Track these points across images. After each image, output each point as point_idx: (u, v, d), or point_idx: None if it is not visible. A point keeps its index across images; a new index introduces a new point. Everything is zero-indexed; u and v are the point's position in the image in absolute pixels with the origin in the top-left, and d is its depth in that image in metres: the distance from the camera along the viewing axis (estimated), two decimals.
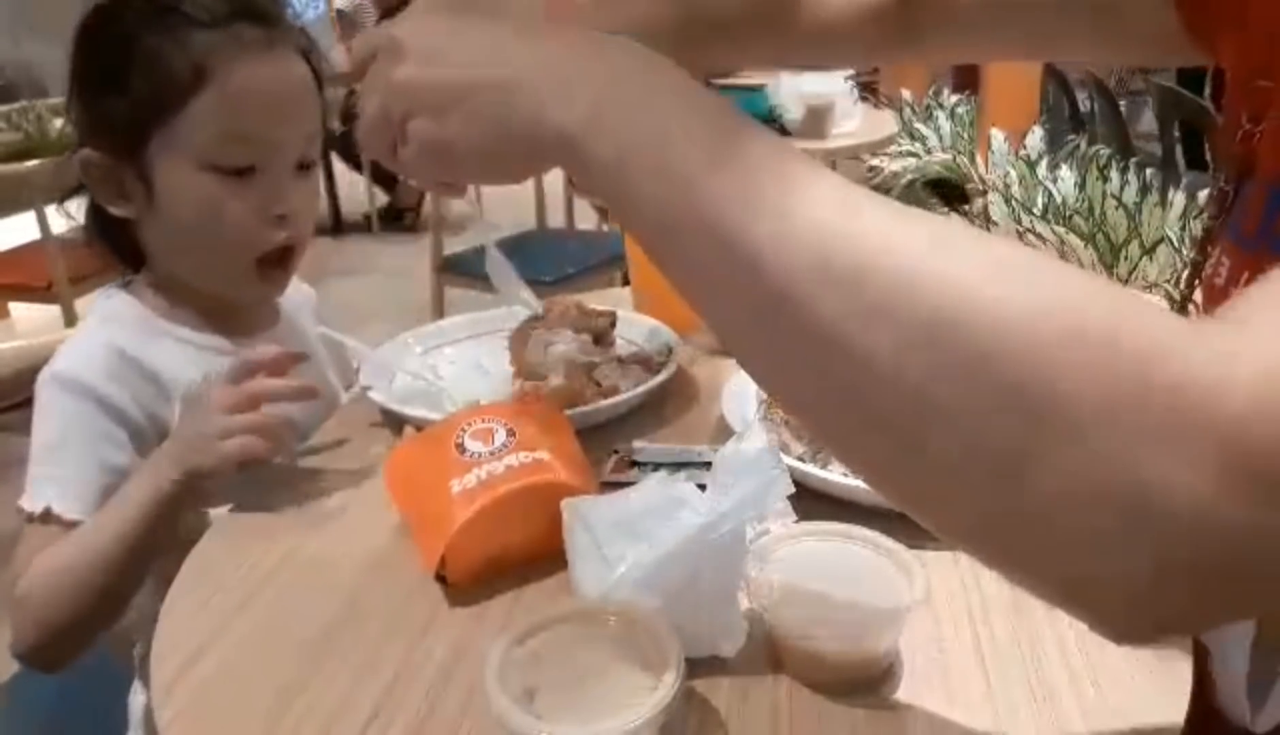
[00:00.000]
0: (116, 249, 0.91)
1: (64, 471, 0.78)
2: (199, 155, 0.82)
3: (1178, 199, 1.35)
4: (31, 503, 0.77)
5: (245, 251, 0.85)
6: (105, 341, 0.83)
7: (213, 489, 0.76)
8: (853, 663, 0.52)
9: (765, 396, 0.78)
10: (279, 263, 0.88)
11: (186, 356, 0.86)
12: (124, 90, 0.81)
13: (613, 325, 0.93)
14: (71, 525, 0.76)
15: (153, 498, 0.74)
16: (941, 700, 0.51)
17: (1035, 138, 2.11)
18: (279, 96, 0.85)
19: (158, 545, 0.75)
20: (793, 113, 2.41)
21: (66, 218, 0.91)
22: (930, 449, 0.32)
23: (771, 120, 2.43)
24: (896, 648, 0.53)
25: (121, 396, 0.81)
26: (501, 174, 0.49)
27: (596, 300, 0.96)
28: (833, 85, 2.45)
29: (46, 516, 0.76)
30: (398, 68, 0.47)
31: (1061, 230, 1.38)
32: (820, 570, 0.55)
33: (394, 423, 0.80)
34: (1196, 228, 1.13)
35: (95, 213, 0.89)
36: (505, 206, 4.83)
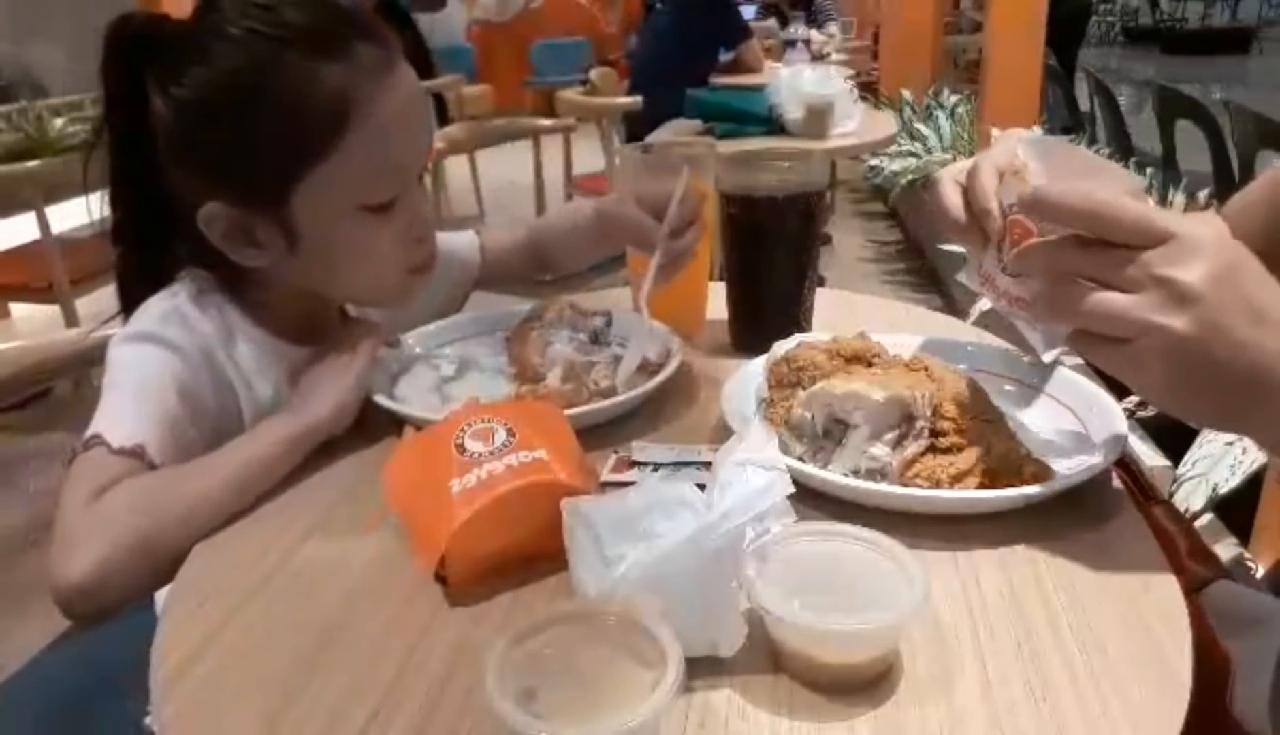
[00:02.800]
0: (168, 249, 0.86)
1: (151, 416, 0.75)
2: (350, 198, 0.79)
3: (1178, 199, 1.35)
4: (121, 437, 0.72)
5: (396, 271, 0.85)
6: (184, 318, 0.81)
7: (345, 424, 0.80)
8: (852, 663, 0.52)
9: (765, 396, 0.78)
10: (424, 268, 0.87)
11: (257, 358, 0.84)
12: (255, 144, 0.77)
13: (608, 324, 0.93)
14: (152, 469, 0.73)
15: (301, 432, 0.76)
16: (941, 700, 0.51)
17: None
18: (412, 120, 0.83)
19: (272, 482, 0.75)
20: (793, 113, 2.40)
21: (102, 212, 0.85)
22: None
23: (771, 120, 2.43)
24: (896, 648, 0.53)
25: (194, 353, 0.80)
26: (1186, 414, 0.59)
27: (597, 300, 0.96)
28: (833, 85, 2.44)
29: (135, 453, 0.72)
30: (1184, 313, 0.53)
31: None
32: (820, 570, 0.55)
33: (394, 423, 0.80)
34: None
35: (131, 213, 0.85)
36: (505, 206, 4.82)
